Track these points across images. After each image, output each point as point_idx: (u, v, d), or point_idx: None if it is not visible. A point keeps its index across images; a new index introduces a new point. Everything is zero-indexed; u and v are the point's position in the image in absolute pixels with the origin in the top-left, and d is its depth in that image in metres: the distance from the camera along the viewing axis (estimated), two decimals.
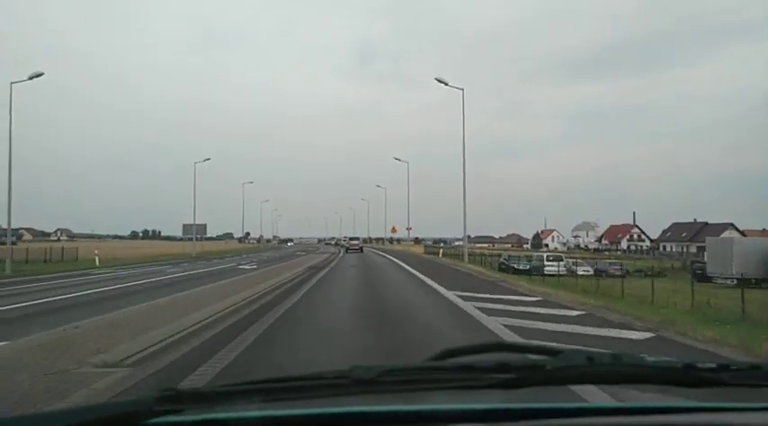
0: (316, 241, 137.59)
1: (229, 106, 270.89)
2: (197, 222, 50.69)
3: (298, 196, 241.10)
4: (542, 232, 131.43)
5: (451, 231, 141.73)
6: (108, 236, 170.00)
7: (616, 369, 1.08)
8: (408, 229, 55.08)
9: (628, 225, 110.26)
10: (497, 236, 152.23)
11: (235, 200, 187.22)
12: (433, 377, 1.06)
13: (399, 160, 57.15)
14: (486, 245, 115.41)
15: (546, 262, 33.63)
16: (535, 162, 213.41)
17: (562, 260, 34.81)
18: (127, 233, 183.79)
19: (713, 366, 1.10)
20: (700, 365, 1.10)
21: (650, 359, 1.13)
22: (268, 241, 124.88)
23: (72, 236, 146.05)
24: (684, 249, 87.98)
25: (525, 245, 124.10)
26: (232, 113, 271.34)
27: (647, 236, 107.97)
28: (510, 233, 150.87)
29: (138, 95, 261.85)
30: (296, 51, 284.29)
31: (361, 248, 59.85)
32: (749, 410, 1.17)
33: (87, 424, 0.93)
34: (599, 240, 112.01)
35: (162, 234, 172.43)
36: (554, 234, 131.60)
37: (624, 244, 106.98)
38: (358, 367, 1.01)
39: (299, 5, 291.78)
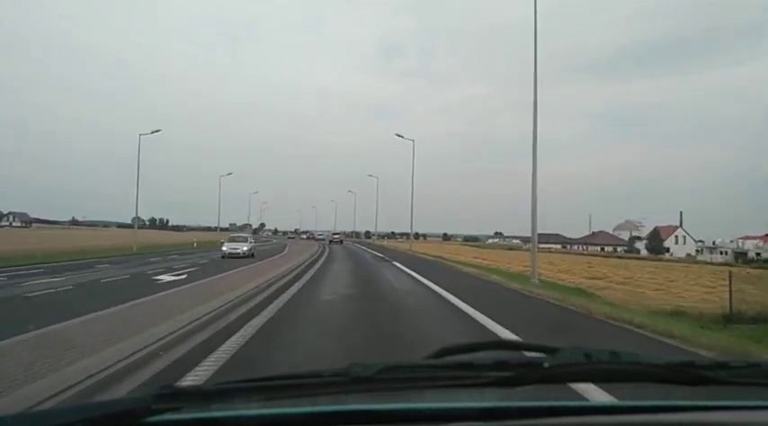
0: (316, 235, 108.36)
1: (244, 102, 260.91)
2: None
3: (316, 191, 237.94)
4: (661, 230, 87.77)
5: (476, 227, 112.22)
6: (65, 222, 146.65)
7: (614, 367, 1.05)
8: None
9: None
10: (570, 236, 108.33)
11: (242, 194, 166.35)
12: (431, 374, 1.05)
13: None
14: (557, 247, 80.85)
15: None
16: (564, 160, 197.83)
17: None
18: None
19: (711, 364, 1.08)
20: (698, 363, 1.08)
21: (648, 356, 1.09)
22: (284, 233, 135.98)
23: (27, 222, 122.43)
24: None
25: (622, 248, 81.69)
26: (246, 109, 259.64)
27: None
28: (593, 231, 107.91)
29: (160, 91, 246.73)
30: (316, 48, 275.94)
31: (341, 241, 71.76)
32: (747, 408, 1.17)
33: (86, 422, 0.91)
34: None
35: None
36: (678, 233, 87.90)
37: None
38: (356, 364, 1.00)
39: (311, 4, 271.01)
